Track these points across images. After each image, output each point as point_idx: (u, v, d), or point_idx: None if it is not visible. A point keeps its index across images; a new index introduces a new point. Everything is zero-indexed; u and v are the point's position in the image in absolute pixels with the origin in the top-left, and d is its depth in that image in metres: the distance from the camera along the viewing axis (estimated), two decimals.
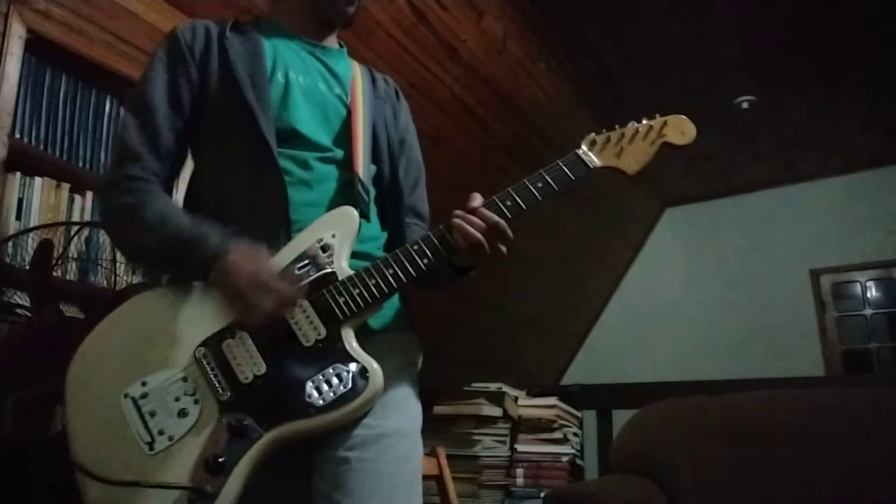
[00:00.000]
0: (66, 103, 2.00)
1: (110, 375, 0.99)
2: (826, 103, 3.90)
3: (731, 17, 3.14)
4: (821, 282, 4.91)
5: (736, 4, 3.05)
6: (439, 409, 2.90)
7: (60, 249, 1.83)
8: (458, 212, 1.03)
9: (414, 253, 1.03)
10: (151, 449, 0.94)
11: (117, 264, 1.87)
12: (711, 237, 5.38)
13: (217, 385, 0.96)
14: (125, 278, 1.89)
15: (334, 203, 1.10)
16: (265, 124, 1.08)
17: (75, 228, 1.90)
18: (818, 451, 2.07)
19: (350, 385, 0.96)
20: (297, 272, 1.01)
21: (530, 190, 1.06)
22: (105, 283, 1.91)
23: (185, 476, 0.91)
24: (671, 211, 5.63)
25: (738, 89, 3.78)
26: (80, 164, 2.01)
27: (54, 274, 1.77)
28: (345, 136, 1.16)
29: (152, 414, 0.96)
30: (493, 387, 2.92)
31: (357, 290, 1.00)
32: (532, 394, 3.05)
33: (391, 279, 1.02)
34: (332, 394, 0.95)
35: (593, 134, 1.14)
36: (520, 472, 2.80)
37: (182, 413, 0.95)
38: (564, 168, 1.09)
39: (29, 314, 1.69)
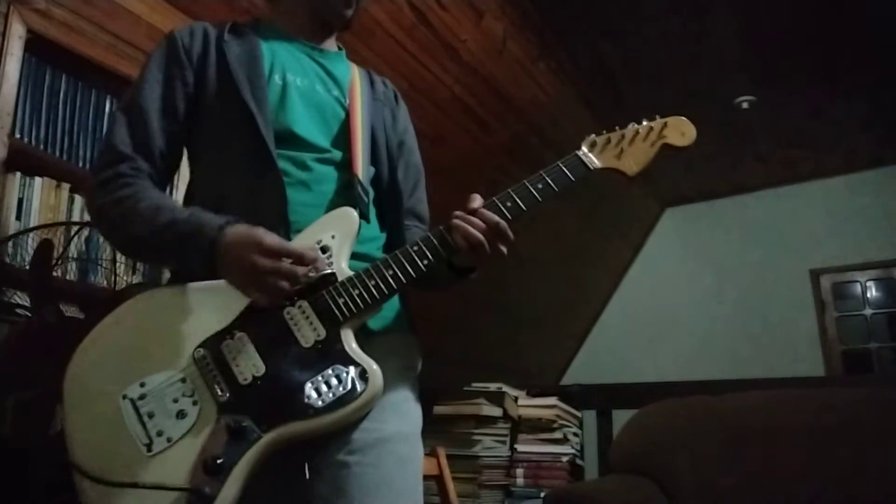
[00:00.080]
0: (66, 103, 2.00)
1: (108, 376, 0.98)
2: (826, 103, 3.90)
3: (731, 17, 3.14)
4: (821, 282, 4.91)
5: (736, 4, 3.05)
6: (439, 409, 2.90)
7: (60, 249, 1.83)
8: (457, 212, 1.03)
9: (414, 254, 1.03)
10: (150, 450, 0.93)
11: (117, 264, 1.87)
12: (711, 237, 5.38)
13: (216, 386, 0.96)
14: (125, 278, 1.89)
15: (333, 204, 1.09)
16: (263, 125, 1.07)
17: (75, 228, 1.90)
18: (818, 451, 2.07)
19: (349, 386, 0.95)
20: None
21: (530, 191, 1.06)
22: (105, 283, 1.91)
23: (183, 477, 0.91)
24: (671, 211, 5.63)
25: (738, 89, 3.77)
26: (80, 164, 2.01)
27: (54, 274, 1.77)
28: (343, 138, 1.16)
29: (150, 415, 0.95)
30: (493, 387, 2.92)
31: (357, 291, 1.00)
32: (532, 394, 3.05)
33: (391, 280, 1.01)
34: (331, 395, 0.95)
35: (593, 135, 1.14)
36: (520, 472, 2.81)
37: (180, 414, 0.95)
38: (564, 169, 1.09)
39: (29, 314, 1.69)
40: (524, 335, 4.95)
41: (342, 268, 1.03)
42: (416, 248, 1.03)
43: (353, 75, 1.26)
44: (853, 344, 4.78)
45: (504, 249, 1.03)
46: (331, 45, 1.28)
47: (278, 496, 1.01)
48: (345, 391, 0.95)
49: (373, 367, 0.97)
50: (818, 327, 4.81)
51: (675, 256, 5.51)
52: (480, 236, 1.00)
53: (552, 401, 2.91)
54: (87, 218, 1.97)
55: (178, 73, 1.12)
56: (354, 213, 1.07)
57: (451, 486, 2.60)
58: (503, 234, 1.02)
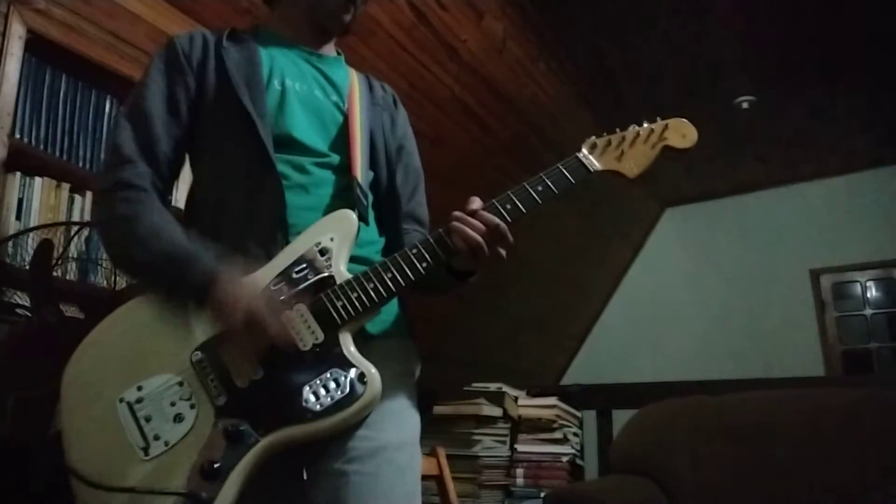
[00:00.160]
0: (66, 103, 2.00)
1: (106, 380, 0.98)
2: (826, 103, 3.90)
3: (731, 18, 3.14)
4: (821, 282, 4.91)
5: (736, 5, 3.05)
6: (439, 409, 2.90)
7: (60, 249, 1.83)
8: (456, 213, 1.02)
9: (413, 256, 1.03)
10: (147, 454, 0.93)
11: None
12: (711, 237, 5.38)
13: (213, 390, 0.96)
14: (125, 279, 1.89)
15: (332, 207, 1.09)
16: (262, 130, 1.07)
17: (75, 228, 1.90)
18: (818, 451, 2.07)
19: (348, 390, 0.95)
20: (294, 276, 1.01)
21: (530, 193, 1.05)
22: (105, 283, 1.91)
23: (180, 482, 0.91)
24: (671, 211, 5.63)
25: (738, 89, 3.77)
26: (80, 164, 2.01)
27: (54, 274, 1.77)
28: (342, 142, 1.16)
29: (148, 419, 0.95)
30: (493, 387, 2.92)
31: (355, 294, 1.00)
32: (532, 394, 3.05)
33: (390, 283, 1.01)
34: (329, 399, 0.94)
35: (593, 137, 1.13)
36: (520, 472, 2.81)
37: (178, 418, 0.95)
38: (564, 171, 1.08)
39: (29, 314, 1.69)
40: (524, 336, 4.95)
41: (341, 270, 1.03)
42: (414, 250, 1.03)
43: (352, 80, 1.26)
44: (853, 344, 4.78)
45: (503, 253, 1.02)
46: (329, 50, 1.28)
47: (276, 500, 1.00)
48: (343, 395, 0.95)
49: (371, 370, 0.97)
50: (818, 327, 4.81)
51: (675, 256, 5.51)
52: (479, 238, 0.99)
53: (552, 401, 2.91)
54: (87, 218, 1.97)
55: (180, 78, 1.12)
56: (353, 216, 1.07)
57: (451, 486, 2.60)
58: (503, 237, 1.01)
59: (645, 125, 1.14)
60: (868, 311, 4.82)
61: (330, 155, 1.14)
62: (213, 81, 1.12)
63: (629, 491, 2.14)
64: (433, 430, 2.80)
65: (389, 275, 1.02)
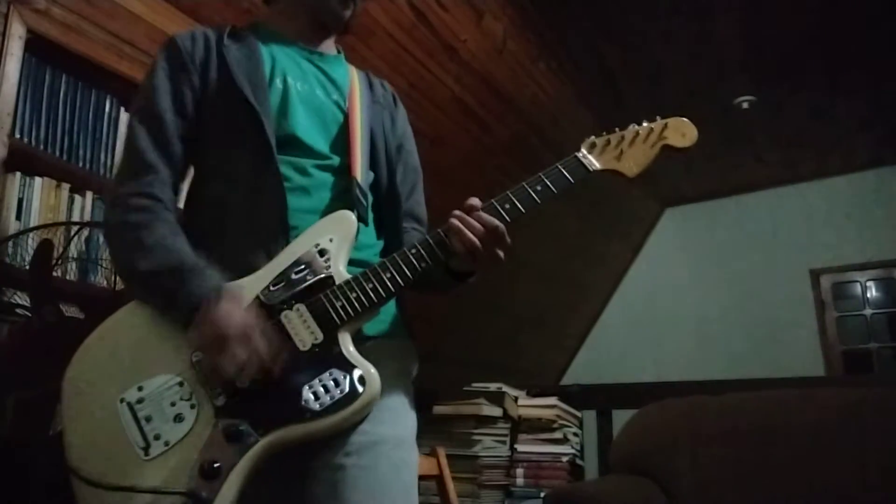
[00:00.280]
0: (66, 103, 1.99)
1: (107, 380, 0.98)
2: (826, 103, 3.90)
3: (732, 18, 3.14)
4: (821, 282, 4.91)
5: (736, 4, 3.05)
6: (439, 409, 2.89)
7: (60, 249, 1.83)
8: (456, 212, 1.02)
9: (412, 257, 1.03)
10: (147, 454, 0.93)
11: None
12: (711, 237, 5.38)
13: (213, 390, 0.96)
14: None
15: (332, 209, 1.09)
16: (268, 128, 1.07)
17: (75, 228, 1.90)
18: (818, 451, 2.07)
19: (347, 390, 0.95)
20: (293, 276, 1.01)
21: (529, 193, 1.05)
22: (105, 283, 1.91)
23: (180, 481, 0.91)
24: (671, 211, 5.63)
25: (738, 89, 3.77)
26: (80, 164, 2.01)
27: (54, 274, 1.77)
28: (342, 143, 1.16)
29: (148, 419, 0.95)
30: (493, 387, 2.92)
31: (354, 295, 1.00)
32: (532, 394, 3.05)
33: (389, 283, 1.01)
34: (328, 399, 0.95)
35: (593, 137, 1.13)
36: (520, 472, 2.81)
37: (178, 418, 0.95)
38: (564, 171, 1.08)
39: (29, 314, 1.69)
40: (524, 335, 4.95)
41: (340, 271, 1.03)
42: (413, 251, 1.03)
43: (353, 78, 1.25)
44: (853, 344, 4.78)
45: (501, 254, 1.02)
46: (330, 47, 1.28)
47: (276, 499, 1.01)
48: (342, 395, 0.95)
49: (370, 370, 0.97)
50: (818, 327, 4.81)
51: (675, 256, 5.51)
52: (477, 240, 1.00)
53: (552, 401, 2.91)
54: (87, 218, 1.98)
55: (185, 77, 1.12)
56: (352, 217, 1.07)
57: (451, 486, 2.60)
58: (501, 238, 1.01)
59: (644, 124, 1.14)
60: (868, 311, 4.82)
61: (331, 157, 1.14)
62: (216, 80, 1.12)
63: (629, 491, 2.14)
64: (433, 430, 2.80)
65: (388, 275, 1.02)
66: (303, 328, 0.99)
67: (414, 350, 1.19)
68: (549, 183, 1.07)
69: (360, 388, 0.96)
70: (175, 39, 1.15)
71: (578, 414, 3.07)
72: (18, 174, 1.82)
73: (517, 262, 4.16)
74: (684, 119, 1.14)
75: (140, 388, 0.97)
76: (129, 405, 0.96)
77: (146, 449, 0.94)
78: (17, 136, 1.84)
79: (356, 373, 0.97)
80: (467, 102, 3.34)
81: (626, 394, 3.20)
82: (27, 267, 1.73)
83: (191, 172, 1.18)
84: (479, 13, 2.96)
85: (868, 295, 4.84)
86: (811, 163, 4.76)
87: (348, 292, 1.00)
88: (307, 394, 0.95)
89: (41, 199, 1.87)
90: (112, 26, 2.06)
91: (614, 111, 3.85)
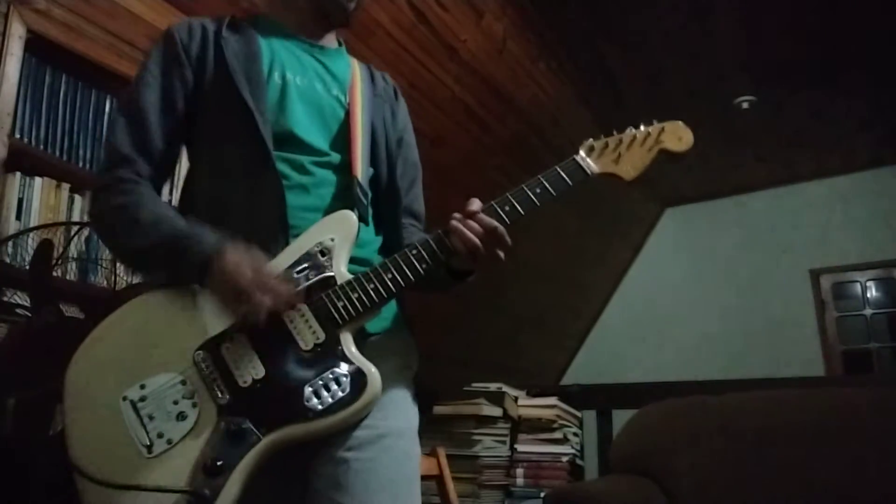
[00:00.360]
0: (66, 103, 1.99)
1: (109, 378, 0.98)
2: (826, 103, 3.91)
3: (732, 17, 3.14)
4: (821, 282, 4.92)
5: (736, 4, 3.05)
6: (439, 409, 2.90)
7: (60, 249, 1.83)
8: (456, 214, 1.03)
9: (413, 258, 1.03)
10: (150, 452, 0.94)
11: (117, 264, 1.87)
12: (711, 237, 5.38)
13: (216, 388, 0.96)
14: (125, 278, 1.88)
15: (332, 208, 1.09)
16: (262, 126, 1.07)
17: (75, 228, 1.90)
18: (818, 451, 2.07)
19: (348, 389, 0.96)
20: (295, 276, 1.01)
21: (528, 195, 1.06)
22: (105, 283, 1.91)
23: (183, 479, 0.91)
24: (671, 211, 5.63)
25: (738, 89, 3.78)
26: (80, 164, 2.01)
27: (54, 274, 1.77)
28: (342, 140, 1.15)
29: (151, 417, 0.95)
30: (493, 387, 2.92)
31: (356, 295, 1.00)
32: (532, 394, 3.05)
33: (390, 284, 1.02)
34: (330, 398, 0.95)
35: (591, 139, 1.14)
36: (520, 472, 2.81)
37: (180, 416, 0.95)
38: (563, 174, 1.08)
39: (29, 314, 1.69)
40: (524, 335, 4.95)
41: (341, 271, 1.03)
42: (414, 251, 1.03)
43: (354, 72, 1.24)
44: (853, 344, 4.79)
45: (502, 254, 1.03)
46: (331, 40, 1.26)
47: (278, 498, 1.01)
48: (344, 394, 0.95)
49: (372, 370, 0.97)
50: (818, 327, 4.81)
51: (675, 256, 5.51)
52: (477, 241, 1.00)
53: (552, 401, 2.91)
54: (86, 218, 1.97)
55: (177, 71, 1.11)
56: (354, 216, 1.07)
57: (451, 486, 2.60)
58: (500, 239, 1.02)
59: (642, 128, 1.14)
60: (868, 311, 4.82)
61: (330, 154, 1.13)
62: (212, 74, 1.11)
63: (629, 491, 2.14)
64: (433, 430, 2.80)
65: (389, 276, 1.02)
66: (305, 327, 0.99)
67: (415, 346, 1.19)
68: (548, 185, 1.07)
69: (362, 388, 0.96)
70: (172, 31, 1.14)
71: (578, 414, 3.07)
72: (18, 174, 1.82)
73: (518, 263, 4.15)
74: (680, 123, 1.14)
75: (142, 387, 0.97)
76: (132, 403, 0.96)
77: (149, 447, 0.94)
78: (17, 136, 1.84)
79: (358, 372, 0.97)
80: (467, 102, 3.34)
81: (626, 394, 3.20)
82: (27, 267, 1.73)
83: (187, 171, 1.18)
84: (479, 13, 2.96)
85: (868, 295, 4.84)
86: (811, 163, 4.76)
87: (350, 292, 1.00)
88: (309, 393, 0.95)
89: (41, 199, 1.87)
90: (112, 26, 2.06)
91: (614, 111, 3.85)
